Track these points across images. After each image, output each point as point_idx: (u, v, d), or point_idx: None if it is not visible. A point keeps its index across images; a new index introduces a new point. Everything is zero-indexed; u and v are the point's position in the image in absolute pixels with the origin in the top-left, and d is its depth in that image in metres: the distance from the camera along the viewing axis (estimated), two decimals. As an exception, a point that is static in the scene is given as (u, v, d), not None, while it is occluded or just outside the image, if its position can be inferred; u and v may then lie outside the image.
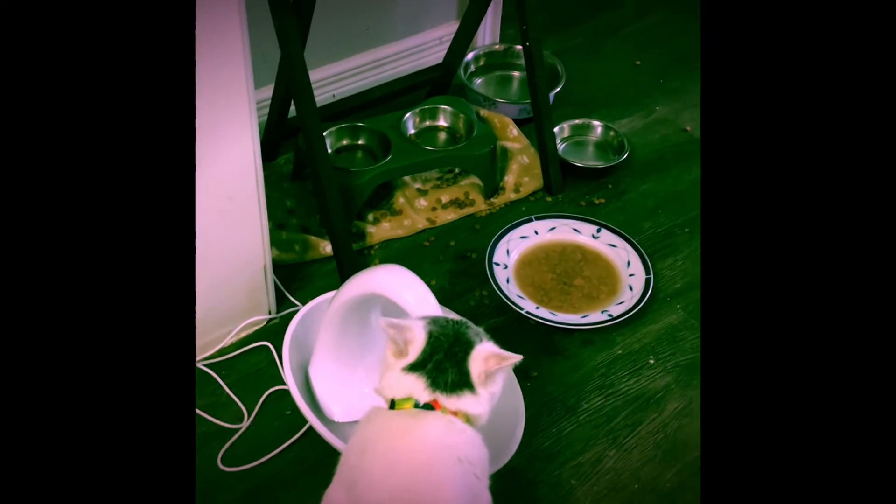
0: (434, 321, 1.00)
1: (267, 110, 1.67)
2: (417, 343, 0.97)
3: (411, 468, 0.91)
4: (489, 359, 0.95)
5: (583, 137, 1.90)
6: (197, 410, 1.33)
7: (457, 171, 1.78)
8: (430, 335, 0.97)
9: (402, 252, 1.63)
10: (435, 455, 0.92)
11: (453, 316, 1.02)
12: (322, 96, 1.86)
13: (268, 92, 1.65)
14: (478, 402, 0.95)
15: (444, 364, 0.95)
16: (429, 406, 0.94)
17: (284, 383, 1.35)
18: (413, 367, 0.96)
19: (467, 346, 0.96)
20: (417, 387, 0.95)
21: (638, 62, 2.15)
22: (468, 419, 0.95)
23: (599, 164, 1.82)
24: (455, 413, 0.94)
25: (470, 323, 1.01)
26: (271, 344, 1.43)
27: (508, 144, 1.84)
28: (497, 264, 1.57)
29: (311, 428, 1.28)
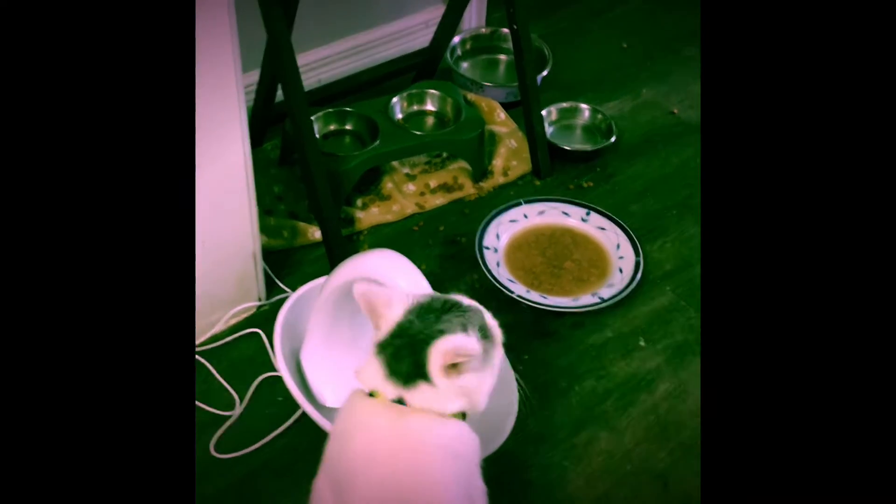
0: (421, 300, 0.93)
1: (253, 95, 1.66)
2: (391, 320, 0.92)
3: (398, 469, 0.88)
4: (447, 353, 0.87)
5: (570, 121, 1.90)
6: (188, 398, 1.32)
7: (445, 155, 1.77)
8: (406, 314, 0.91)
9: (392, 237, 1.62)
10: (422, 453, 0.89)
11: (467, 301, 0.95)
12: (308, 81, 1.84)
13: (253, 77, 1.64)
14: (437, 396, 0.89)
15: (402, 351, 0.89)
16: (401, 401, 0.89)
17: (276, 370, 1.35)
18: (379, 349, 0.91)
19: (432, 336, 0.89)
20: (379, 377, 0.90)
21: (625, 45, 2.14)
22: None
23: (587, 148, 1.82)
24: (424, 411, 0.89)
25: (468, 306, 0.94)
26: (262, 331, 1.43)
27: (496, 128, 1.83)
28: (487, 248, 1.57)
29: (303, 414, 1.28)
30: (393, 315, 0.92)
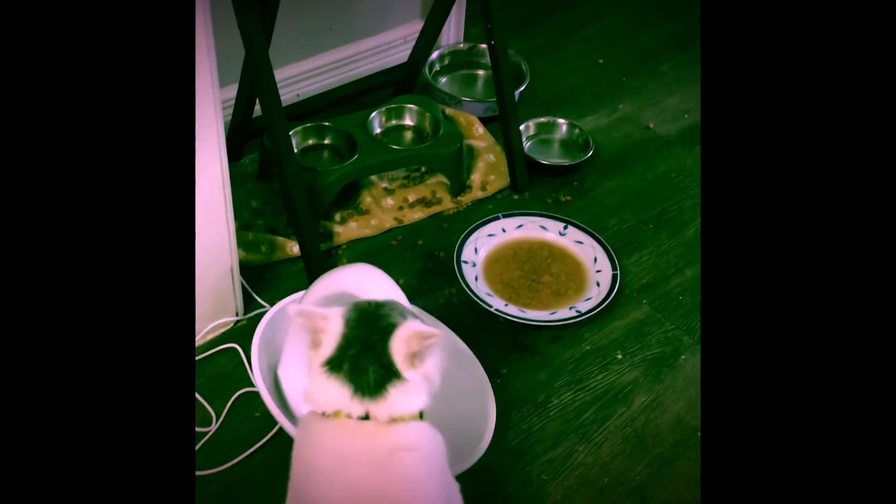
0: (354, 307, 0.92)
1: (231, 110, 1.66)
2: (332, 334, 0.90)
3: (375, 490, 0.86)
4: (411, 339, 0.87)
5: (548, 135, 1.91)
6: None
7: (423, 169, 1.78)
8: (347, 324, 0.90)
9: (370, 252, 1.63)
10: (398, 466, 0.87)
11: (412, 307, 0.98)
12: (287, 96, 1.85)
13: (232, 91, 1.64)
14: (408, 392, 0.88)
15: (361, 361, 0.88)
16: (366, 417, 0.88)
17: (253, 385, 1.34)
18: (331, 367, 0.89)
19: (386, 331, 0.88)
20: (343, 397, 0.88)
21: (601, 60, 2.16)
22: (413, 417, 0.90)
23: (565, 162, 1.83)
24: (393, 420, 0.88)
25: (395, 303, 0.95)
26: (239, 346, 1.42)
27: (474, 143, 1.84)
28: (465, 262, 1.57)
29: (281, 430, 1.27)
30: (333, 327, 0.91)
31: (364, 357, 0.88)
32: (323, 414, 0.90)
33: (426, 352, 0.90)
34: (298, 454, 0.92)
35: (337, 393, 0.88)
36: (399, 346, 0.88)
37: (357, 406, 0.88)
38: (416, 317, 0.94)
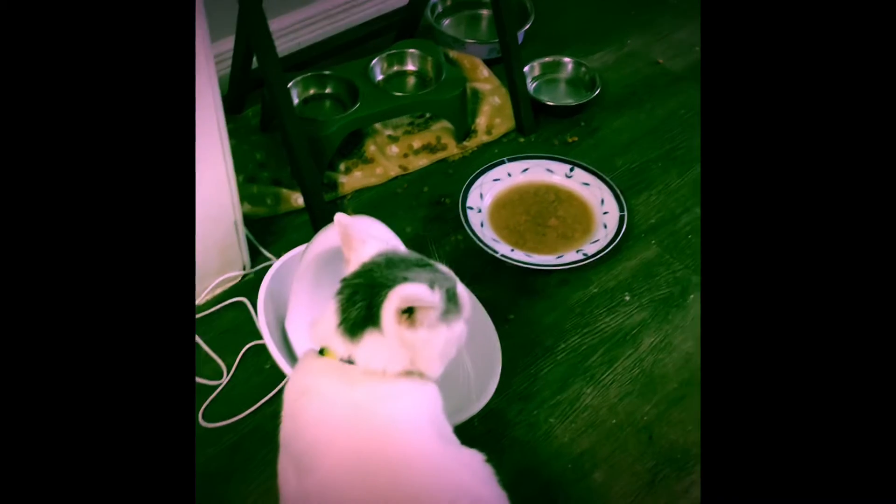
0: (392, 251, 0.91)
1: (230, 62, 1.64)
2: (360, 259, 0.89)
3: (364, 448, 0.82)
4: (406, 297, 0.83)
5: (554, 75, 1.88)
6: (176, 369, 1.34)
7: (428, 115, 1.75)
8: (378, 256, 0.89)
9: (376, 200, 1.62)
10: (390, 428, 0.83)
11: (444, 268, 0.93)
12: (287, 45, 1.82)
13: (230, 43, 1.62)
14: (382, 348, 0.84)
15: (358, 294, 0.86)
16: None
17: (262, 338, 1.35)
18: (340, 288, 0.88)
19: (396, 280, 0.85)
20: (330, 328, 0.86)
21: (608, -5, 2.11)
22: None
23: (571, 102, 1.80)
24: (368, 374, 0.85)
25: (437, 265, 0.92)
26: (247, 299, 1.43)
27: (479, 86, 1.81)
28: (471, 208, 1.56)
29: (290, 380, 1.28)
30: (364, 254, 0.90)
31: (363, 291, 0.86)
32: (320, 351, 0.89)
33: (421, 319, 0.85)
34: (289, 397, 0.90)
35: (328, 320, 0.88)
36: (393, 297, 0.84)
37: (340, 344, 0.86)
38: (446, 288, 0.88)
